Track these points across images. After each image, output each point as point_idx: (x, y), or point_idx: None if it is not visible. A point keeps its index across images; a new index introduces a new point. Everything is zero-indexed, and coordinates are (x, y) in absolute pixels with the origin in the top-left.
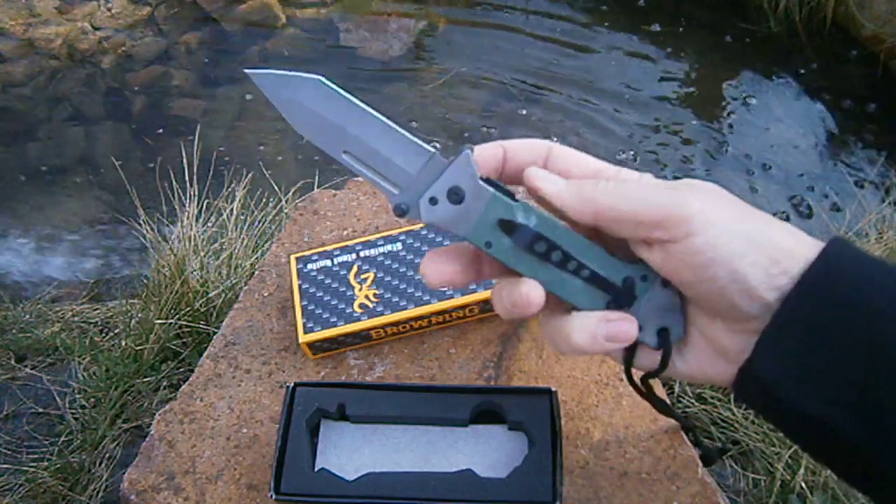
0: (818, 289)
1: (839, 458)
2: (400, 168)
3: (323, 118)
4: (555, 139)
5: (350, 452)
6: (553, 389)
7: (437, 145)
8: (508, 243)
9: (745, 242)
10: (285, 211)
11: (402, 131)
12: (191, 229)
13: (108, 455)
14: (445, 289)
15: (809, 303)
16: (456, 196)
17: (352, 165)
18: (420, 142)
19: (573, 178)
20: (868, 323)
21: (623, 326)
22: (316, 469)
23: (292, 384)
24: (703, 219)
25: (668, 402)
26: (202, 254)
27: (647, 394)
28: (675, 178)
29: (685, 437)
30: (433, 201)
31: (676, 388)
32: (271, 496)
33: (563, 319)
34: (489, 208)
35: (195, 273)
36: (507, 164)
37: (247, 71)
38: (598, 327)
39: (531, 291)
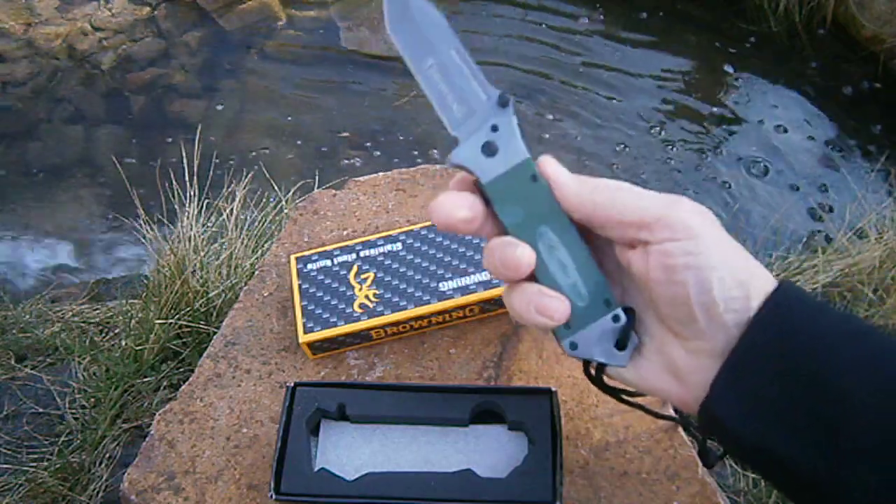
0: (767, 333)
1: (793, 488)
2: (465, 99)
3: (422, 34)
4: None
5: (350, 452)
6: (553, 389)
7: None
8: (519, 212)
9: (719, 258)
10: (285, 211)
11: (478, 74)
12: (191, 229)
13: (108, 455)
14: (449, 231)
15: (760, 346)
16: (489, 150)
17: (427, 80)
18: (487, 85)
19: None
20: (818, 366)
21: (553, 304)
22: (316, 469)
23: (292, 384)
24: (686, 228)
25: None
26: (202, 254)
27: (605, 387)
28: (674, 178)
29: (685, 437)
30: (482, 147)
31: None
32: (271, 496)
33: (518, 285)
34: (518, 169)
35: (195, 273)
36: None
37: None
38: (532, 297)
39: (524, 255)
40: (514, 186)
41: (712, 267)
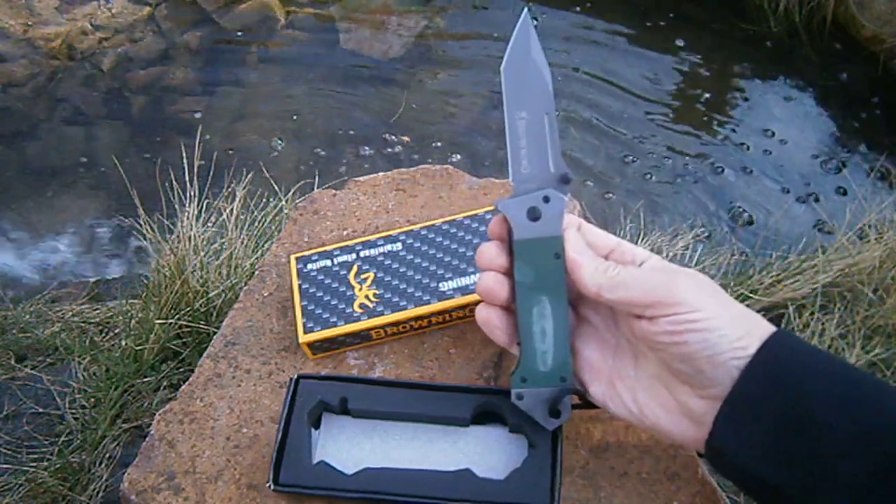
0: (761, 377)
1: None
2: (537, 161)
3: (528, 87)
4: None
5: (350, 447)
6: None
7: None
8: (531, 275)
9: (720, 320)
10: (285, 211)
11: (556, 145)
12: (191, 229)
13: (108, 455)
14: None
15: (754, 388)
16: (533, 214)
17: (513, 128)
18: (559, 157)
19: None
20: (803, 403)
21: (496, 333)
22: (315, 462)
23: (296, 376)
24: (688, 303)
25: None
26: (202, 254)
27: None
28: (674, 178)
29: None
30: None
31: None
32: (269, 486)
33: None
34: (548, 241)
35: (195, 273)
36: None
37: (525, 11)
38: (490, 320)
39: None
40: (537, 254)
41: (714, 328)
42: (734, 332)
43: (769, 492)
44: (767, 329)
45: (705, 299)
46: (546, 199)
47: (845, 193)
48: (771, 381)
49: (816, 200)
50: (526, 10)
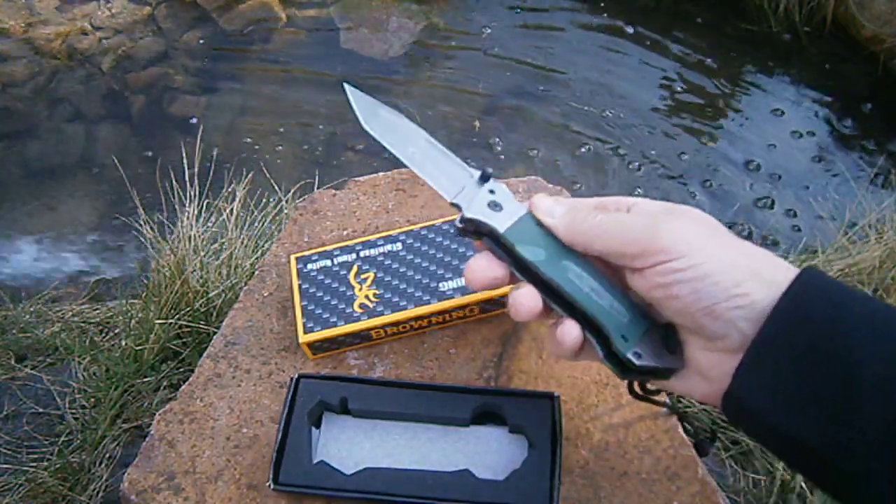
0: (792, 318)
1: (815, 472)
2: (452, 175)
3: (399, 128)
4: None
5: (350, 446)
6: (556, 394)
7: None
8: (541, 252)
9: (711, 266)
10: (285, 211)
11: (454, 156)
12: (191, 229)
13: (108, 455)
14: (483, 290)
15: (784, 331)
16: (495, 206)
17: (414, 162)
18: (465, 164)
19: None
20: (840, 347)
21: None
22: (315, 461)
23: (296, 376)
24: (672, 249)
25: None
26: (202, 254)
27: (644, 397)
28: (674, 178)
29: (685, 437)
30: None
31: None
32: (269, 486)
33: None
34: (523, 220)
35: (195, 273)
36: None
37: (346, 85)
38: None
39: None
40: (527, 232)
41: (705, 275)
42: (731, 277)
43: (799, 450)
44: (783, 271)
45: (695, 242)
46: (492, 192)
47: (845, 193)
48: (798, 326)
49: (816, 200)
50: (346, 85)
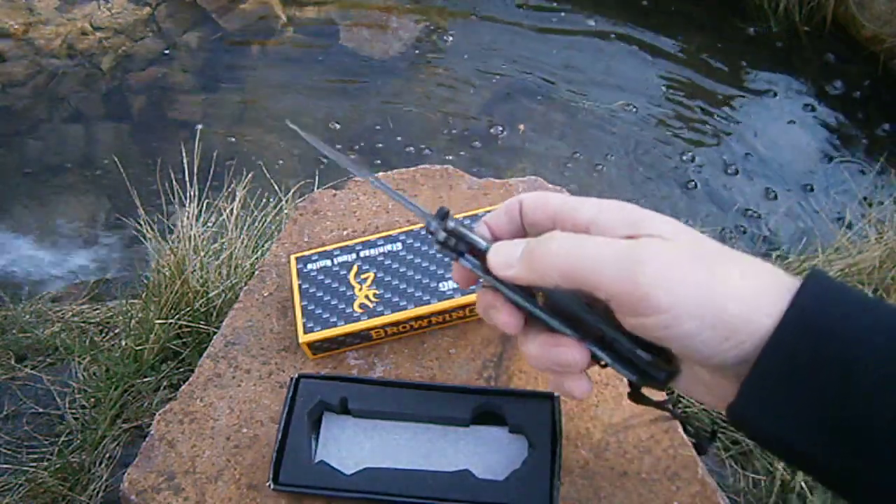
0: (795, 337)
1: (826, 480)
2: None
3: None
4: (522, 127)
5: (350, 446)
6: (556, 394)
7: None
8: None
9: (697, 324)
10: (285, 211)
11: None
12: (191, 229)
13: (108, 455)
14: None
15: (788, 350)
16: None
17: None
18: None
19: (539, 228)
20: (845, 372)
21: (567, 353)
22: (315, 461)
23: (296, 376)
24: (655, 300)
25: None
26: (202, 254)
27: (642, 401)
28: (673, 178)
29: (685, 437)
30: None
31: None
32: (269, 486)
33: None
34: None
35: (195, 273)
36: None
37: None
38: (546, 351)
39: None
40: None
41: (692, 335)
42: (720, 332)
43: (808, 463)
44: (781, 295)
45: (679, 286)
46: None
47: (845, 193)
48: (808, 345)
49: (816, 200)
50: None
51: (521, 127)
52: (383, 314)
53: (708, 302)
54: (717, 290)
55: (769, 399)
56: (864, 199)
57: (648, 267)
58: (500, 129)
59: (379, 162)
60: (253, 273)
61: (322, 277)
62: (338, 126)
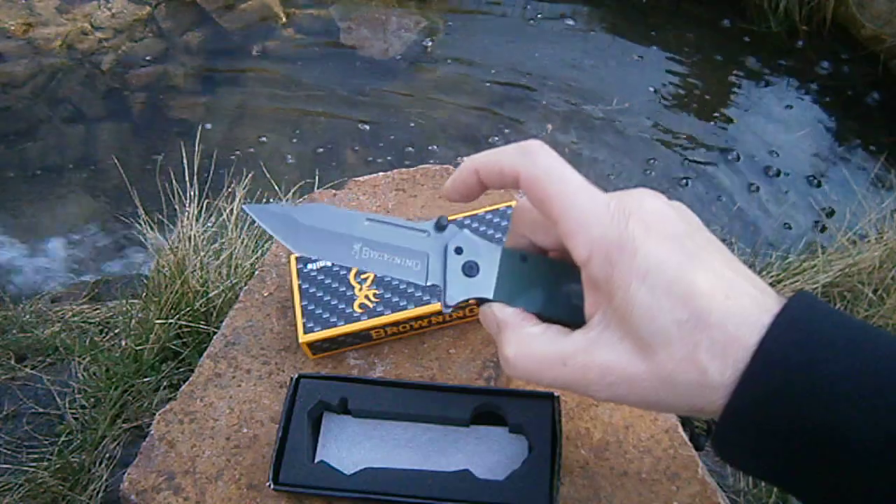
0: (759, 394)
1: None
2: (411, 251)
3: (329, 232)
4: (550, 127)
5: (350, 446)
6: (556, 395)
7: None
8: (539, 294)
9: (667, 398)
10: None
11: (402, 221)
12: (191, 229)
13: (108, 455)
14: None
15: (760, 396)
16: (470, 270)
17: (367, 263)
18: (416, 225)
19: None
20: (820, 416)
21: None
22: (315, 461)
23: (296, 376)
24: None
25: None
26: (202, 254)
27: None
28: (673, 178)
29: (685, 437)
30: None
31: None
32: (269, 486)
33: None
34: (505, 260)
35: (195, 273)
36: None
37: (245, 207)
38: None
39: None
40: (515, 282)
41: (668, 407)
42: (686, 400)
43: (787, 490)
44: (753, 331)
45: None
46: (459, 251)
47: (845, 193)
48: (775, 396)
49: (816, 200)
50: (245, 207)
51: (549, 127)
52: (383, 314)
53: (665, 387)
54: (694, 307)
55: (741, 448)
56: (864, 199)
57: (635, 263)
58: (501, 127)
59: (380, 161)
60: (253, 273)
61: (322, 277)
62: (338, 126)
